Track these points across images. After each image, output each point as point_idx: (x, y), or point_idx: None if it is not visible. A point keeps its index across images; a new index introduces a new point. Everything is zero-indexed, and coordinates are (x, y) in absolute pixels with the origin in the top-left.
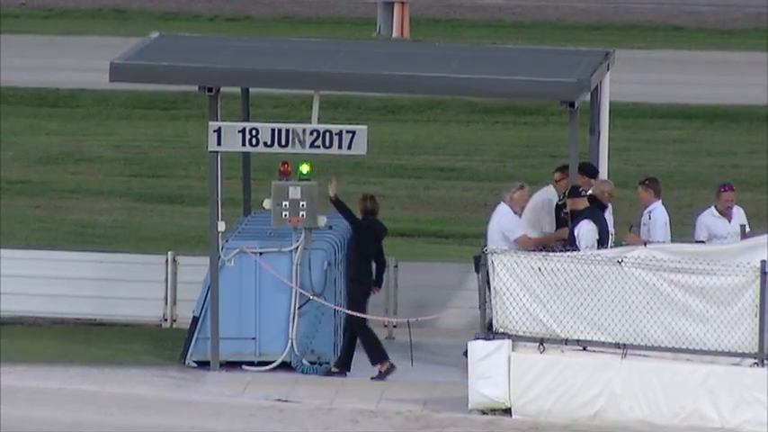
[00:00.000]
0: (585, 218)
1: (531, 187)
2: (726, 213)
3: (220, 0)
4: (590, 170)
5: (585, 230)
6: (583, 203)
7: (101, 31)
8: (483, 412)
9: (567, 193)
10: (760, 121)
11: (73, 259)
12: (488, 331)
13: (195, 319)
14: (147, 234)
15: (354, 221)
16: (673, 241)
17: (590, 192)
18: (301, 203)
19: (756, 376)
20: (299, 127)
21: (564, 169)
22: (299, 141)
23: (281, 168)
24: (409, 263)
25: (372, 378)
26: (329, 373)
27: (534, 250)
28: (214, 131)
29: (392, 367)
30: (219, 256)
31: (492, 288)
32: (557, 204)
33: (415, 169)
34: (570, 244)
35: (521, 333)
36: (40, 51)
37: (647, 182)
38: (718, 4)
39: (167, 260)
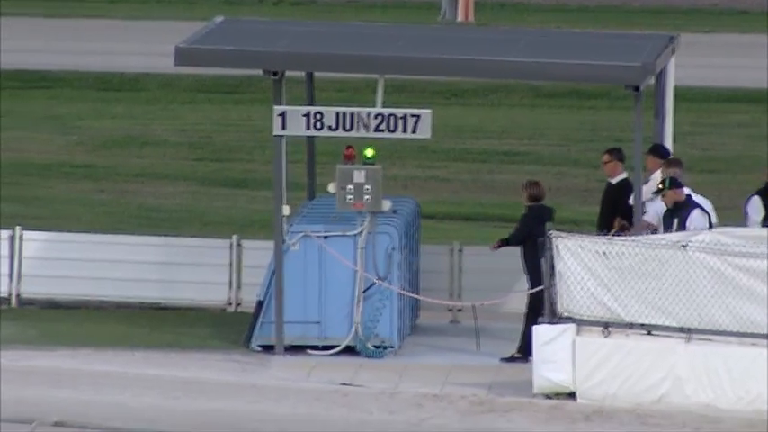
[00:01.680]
0: (696, 206)
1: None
2: None
3: None
4: (662, 151)
5: (697, 217)
6: (682, 195)
7: (166, 15)
8: (547, 396)
9: (666, 184)
10: None
11: (138, 243)
12: (552, 315)
13: (260, 303)
14: (211, 218)
15: (522, 223)
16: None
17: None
18: (366, 187)
19: None
20: (363, 111)
21: (612, 151)
22: (364, 125)
23: (346, 152)
24: (473, 247)
25: (503, 359)
26: (511, 359)
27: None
28: (278, 115)
29: (525, 359)
30: (284, 240)
31: (556, 272)
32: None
33: (479, 153)
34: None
35: (585, 317)
36: (106, 35)
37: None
38: None
39: (232, 244)
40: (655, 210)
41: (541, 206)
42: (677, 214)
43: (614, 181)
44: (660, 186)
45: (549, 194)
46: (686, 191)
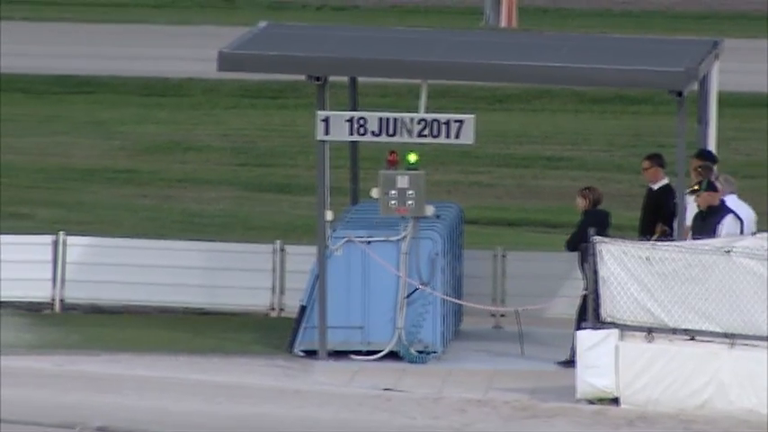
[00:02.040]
0: (730, 212)
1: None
2: None
3: None
4: (710, 156)
5: (729, 223)
6: (716, 198)
7: (209, 20)
8: (591, 402)
9: (702, 186)
10: None
11: (181, 248)
12: (596, 320)
13: (303, 309)
14: (254, 223)
15: (581, 228)
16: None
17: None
18: (409, 193)
19: None
20: (406, 116)
21: (652, 157)
22: (407, 130)
23: (389, 158)
24: (517, 252)
25: (558, 362)
26: (566, 363)
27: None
28: (322, 120)
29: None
30: (327, 246)
31: (600, 277)
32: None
33: (522, 158)
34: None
35: (629, 322)
36: (150, 41)
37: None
38: None
39: (275, 249)
40: (691, 213)
41: (599, 211)
42: (709, 218)
43: (656, 187)
44: (696, 187)
45: None
46: (732, 197)
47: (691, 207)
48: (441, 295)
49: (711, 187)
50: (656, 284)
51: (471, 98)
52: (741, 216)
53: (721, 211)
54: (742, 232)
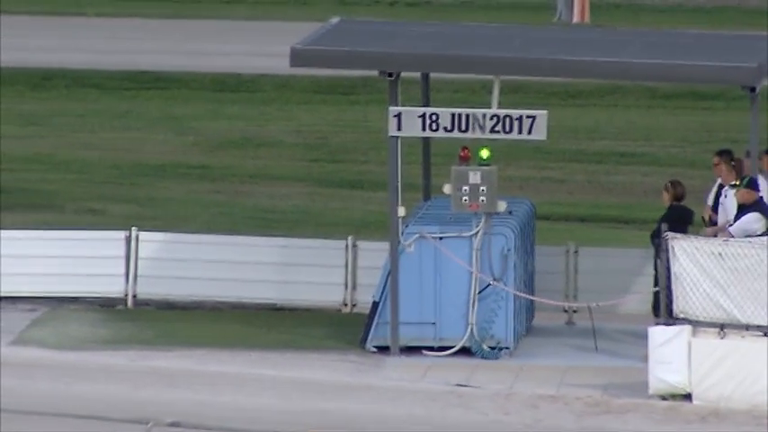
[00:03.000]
0: (755, 210)
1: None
2: None
3: None
4: (729, 153)
5: (747, 219)
6: (753, 197)
7: (281, 16)
8: (663, 398)
9: (742, 182)
10: None
11: (253, 244)
12: (668, 317)
13: (375, 304)
14: (327, 219)
15: (662, 220)
16: None
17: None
18: (481, 188)
19: None
20: (479, 112)
21: (722, 154)
22: (479, 126)
23: (461, 153)
24: (589, 248)
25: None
26: None
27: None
28: (394, 116)
29: None
30: (399, 241)
31: (672, 273)
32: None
33: (594, 154)
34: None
35: (701, 318)
36: (222, 37)
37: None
38: None
39: (347, 245)
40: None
41: (683, 207)
42: (740, 214)
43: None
44: (737, 182)
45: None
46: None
47: (733, 201)
48: (513, 291)
49: (751, 184)
50: (728, 280)
51: (544, 94)
52: None
53: (753, 207)
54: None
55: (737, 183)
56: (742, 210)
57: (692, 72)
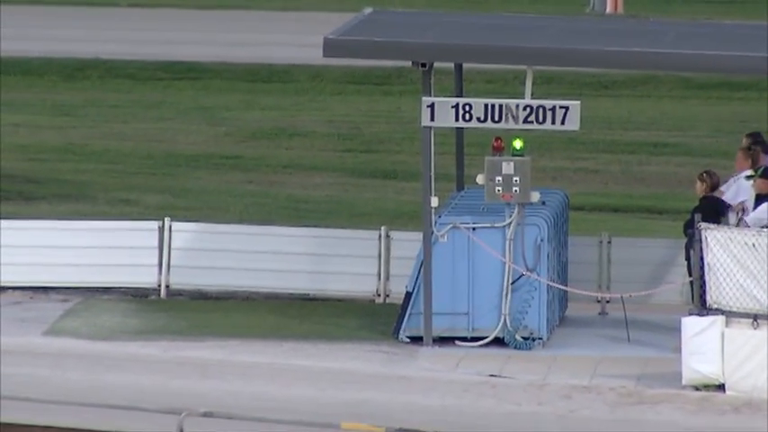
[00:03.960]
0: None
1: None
2: None
3: None
4: (760, 139)
5: (763, 209)
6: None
7: (315, 6)
8: (696, 388)
9: (758, 172)
10: None
11: (286, 234)
12: (702, 307)
13: (408, 295)
14: (360, 209)
15: (695, 210)
16: None
17: None
18: (514, 179)
19: None
20: (512, 102)
21: (753, 136)
22: (513, 117)
23: (495, 144)
24: (622, 238)
25: None
26: None
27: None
28: (427, 107)
29: None
30: (433, 232)
31: (706, 264)
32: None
33: (628, 144)
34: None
35: (734, 309)
36: (255, 27)
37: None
38: None
39: (380, 235)
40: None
41: (716, 197)
42: (757, 203)
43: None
44: (753, 172)
45: None
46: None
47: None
48: (546, 281)
49: (765, 174)
50: (762, 271)
51: (577, 84)
52: None
53: (765, 198)
54: None
55: (753, 173)
56: (759, 199)
57: (725, 62)
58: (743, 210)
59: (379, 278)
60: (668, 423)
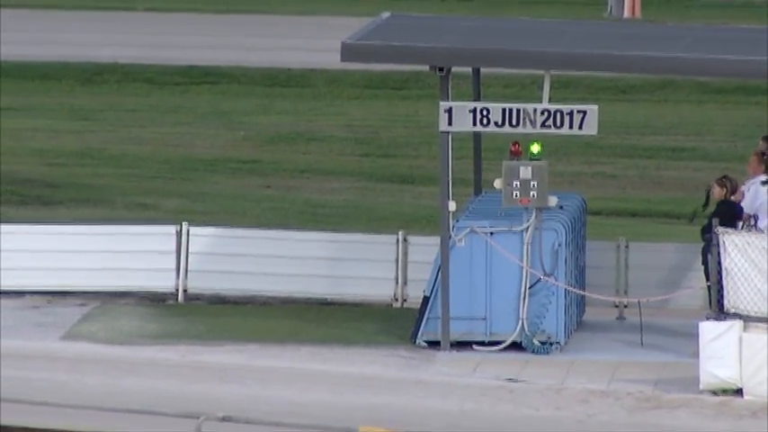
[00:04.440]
0: None
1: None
2: None
3: None
4: None
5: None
6: None
7: (332, 10)
8: (714, 393)
9: None
10: None
11: (304, 239)
12: (719, 312)
13: (426, 299)
14: (377, 214)
15: (713, 215)
16: None
17: None
18: (532, 183)
19: None
20: (529, 107)
21: None
22: (530, 121)
23: (512, 148)
24: (640, 243)
25: None
26: None
27: None
28: (445, 111)
29: None
30: (450, 236)
31: (723, 268)
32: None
33: (645, 149)
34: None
35: (752, 313)
36: (273, 31)
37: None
38: None
39: (398, 240)
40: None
41: (733, 202)
42: None
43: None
44: (766, 180)
45: None
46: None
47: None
48: (564, 286)
49: None
50: None
51: (595, 89)
52: None
53: None
54: None
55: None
56: None
57: (743, 67)
58: (751, 217)
59: (397, 282)
60: (686, 428)
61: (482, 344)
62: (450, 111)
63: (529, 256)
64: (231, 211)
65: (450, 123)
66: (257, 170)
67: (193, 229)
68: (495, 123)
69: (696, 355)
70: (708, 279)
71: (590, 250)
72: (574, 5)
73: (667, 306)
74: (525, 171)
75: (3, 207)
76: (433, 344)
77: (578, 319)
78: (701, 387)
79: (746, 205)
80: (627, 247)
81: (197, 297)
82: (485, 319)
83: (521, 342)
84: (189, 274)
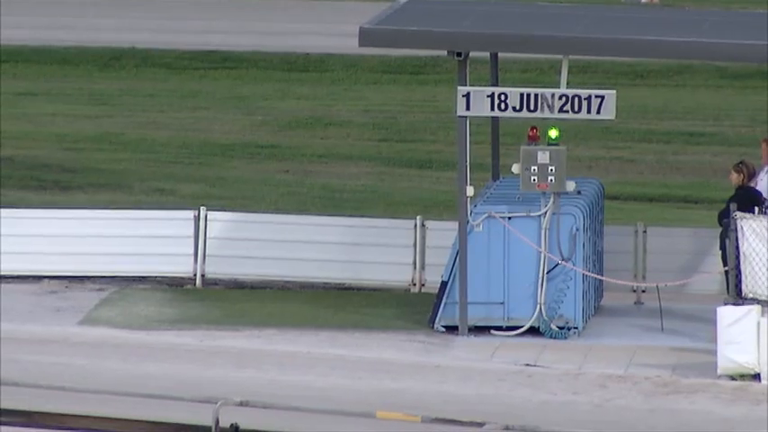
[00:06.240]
0: None
1: None
2: None
3: None
4: None
5: None
6: None
7: None
8: (732, 378)
9: None
10: None
11: (322, 224)
12: (737, 297)
13: (444, 284)
14: (395, 199)
15: (731, 200)
16: None
17: None
18: (550, 168)
19: None
20: (547, 92)
21: None
22: (548, 106)
23: (530, 133)
24: (658, 228)
25: None
26: None
27: None
28: (463, 96)
29: None
30: (468, 221)
31: (741, 253)
32: None
33: (663, 134)
34: None
35: None
36: (291, 16)
37: None
38: None
39: (416, 225)
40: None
41: (752, 187)
42: None
43: None
44: None
45: None
46: None
47: None
48: (582, 270)
49: None
50: None
51: (613, 74)
52: None
53: None
54: None
55: None
56: None
57: (761, 52)
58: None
59: (415, 267)
60: (703, 412)
61: (500, 329)
62: (467, 96)
63: (547, 241)
64: (249, 196)
65: (467, 108)
66: (275, 155)
67: (211, 214)
68: (513, 108)
69: (714, 340)
70: (725, 264)
71: (608, 235)
72: None
73: (685, 291)
74: (543, 156)
75: (21, 192)
76: (451, 329)
77: (596, 304)
78: (719, 372)
79: (763, 190)
80: (645, 232)
81: (215, 282)
82: (502, 303)
83: (538, 327)
84: (207, 258)
